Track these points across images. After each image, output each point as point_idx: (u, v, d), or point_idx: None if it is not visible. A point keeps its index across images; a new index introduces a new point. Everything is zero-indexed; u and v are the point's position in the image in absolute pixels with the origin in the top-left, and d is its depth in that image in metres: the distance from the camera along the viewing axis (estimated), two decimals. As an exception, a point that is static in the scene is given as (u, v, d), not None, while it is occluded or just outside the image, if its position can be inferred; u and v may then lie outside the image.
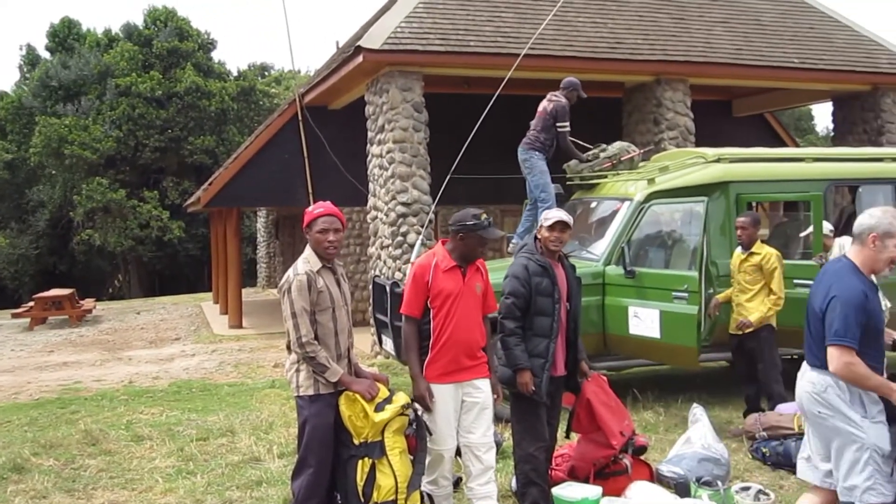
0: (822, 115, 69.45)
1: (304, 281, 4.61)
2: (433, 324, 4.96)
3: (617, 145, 9.75)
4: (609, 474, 5.71)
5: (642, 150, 10.26)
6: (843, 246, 8.05)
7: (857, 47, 14.80)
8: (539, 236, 5.51)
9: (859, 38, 15.08)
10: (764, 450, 6.69)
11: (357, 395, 4.69)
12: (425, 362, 4.96)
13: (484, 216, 4.97)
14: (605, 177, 9.33)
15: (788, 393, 7.47)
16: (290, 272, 4.72)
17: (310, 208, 4.83)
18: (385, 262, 12.05)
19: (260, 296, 25.65)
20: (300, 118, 14.40)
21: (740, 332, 7.46)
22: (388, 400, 4.79)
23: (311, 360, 4.60)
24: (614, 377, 9.11)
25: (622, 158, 9.53)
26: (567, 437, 6.02)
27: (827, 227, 8.30)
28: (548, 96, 9.53)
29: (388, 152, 11.99)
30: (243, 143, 21.15)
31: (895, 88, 14.90)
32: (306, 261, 4.73)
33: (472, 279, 5.02)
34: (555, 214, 5.46)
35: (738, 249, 7.64)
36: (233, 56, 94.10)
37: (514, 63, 10.98)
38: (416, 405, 4.91)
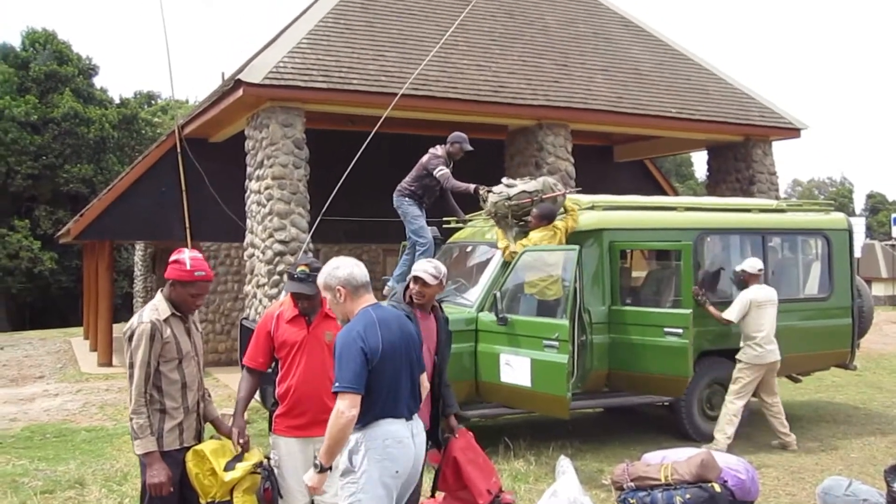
0: (702, 162, 71.99)
1: (147, 330, 4.31)
2: (279, 375, 4.75)
3: (540, 181, 8.69)
4: (474, 531, 5.54)
5: (567, 190, 9.08)
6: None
7: (731, 99, 15.32)
8: (409, 285, 5.38)
9: (733, 90, 15.63)
10: (631, 500, 6.62)
11: (206, 453, 4.43)
12: (275, 414, 4.74)
13: (301, 268, 4.70)
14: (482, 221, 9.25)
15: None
16: (134, 319, 4.43)
17: (184, 257, 4.42)
18: (261, 301, 11.69)
19: (135, 331, 24.66)
20: (179, 150, 13.92)
21: None
22: (239, 458, 4.54)
23: (131, 419, 4.32)
24: (487, 425, 9.02)
25: (543, 197, 8.43)
26: (432, 494, 5.84)
27: (755, 264, 8.61)
28: (430, 149, 9.37)
29: (266, 188, 11.68)
30: (122, 174, 20.42)
31: (766, 140, 15.52)
32: (154, 308, 4.43)
33: (320, 327, 4.76)
34: (418, 268, 5.34)
35: None
36: (118, 83, 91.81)
37: (395, 102, 10.88)
38: (271, 463, 4.66)
